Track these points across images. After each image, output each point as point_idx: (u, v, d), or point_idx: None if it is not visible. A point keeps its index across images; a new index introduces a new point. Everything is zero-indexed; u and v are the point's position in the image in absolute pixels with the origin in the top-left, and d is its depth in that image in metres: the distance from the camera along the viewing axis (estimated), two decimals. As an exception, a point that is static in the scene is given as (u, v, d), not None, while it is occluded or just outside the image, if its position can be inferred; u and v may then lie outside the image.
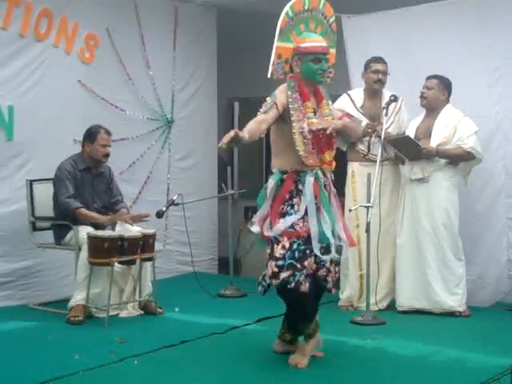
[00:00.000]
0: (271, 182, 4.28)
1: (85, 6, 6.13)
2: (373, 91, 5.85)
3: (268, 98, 4.21)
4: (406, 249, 5.71)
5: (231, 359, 4.51)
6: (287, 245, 4.16)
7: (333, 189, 4.40)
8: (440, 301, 5.59)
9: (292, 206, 4.21)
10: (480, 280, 5.90)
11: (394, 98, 5.64)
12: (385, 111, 5.58)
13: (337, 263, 4.42)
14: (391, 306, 5.85)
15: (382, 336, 5.03)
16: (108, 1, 6.34)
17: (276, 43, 4.24)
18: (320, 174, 4.28)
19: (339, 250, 4.40)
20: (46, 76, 5.89)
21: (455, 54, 5.97)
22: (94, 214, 5.56)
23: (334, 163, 4.37)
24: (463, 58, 5.93)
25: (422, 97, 5.70)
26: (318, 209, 4.24)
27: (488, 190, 5.88)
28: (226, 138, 3.87)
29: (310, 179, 4.22)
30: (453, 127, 5.61)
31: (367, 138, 5.78)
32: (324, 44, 4.28)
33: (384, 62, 5.85)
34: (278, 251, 4.17)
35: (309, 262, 4.19)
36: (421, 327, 5.36)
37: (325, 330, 4.64)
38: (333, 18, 4.46)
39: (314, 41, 4.26)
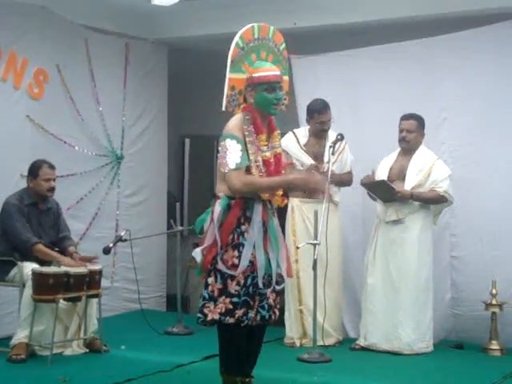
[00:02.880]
0: (218, 208, 4.13)
1: (34, 41, 6.13)
2: (317, 134, 5.96)
3: (229, 142, 4.05)
4: (377, 289, 5.71)
5: (176, 398, 4.47)
6: (242, 281, 4.07)
7: (276, 218, 4.31)
8: (411, 342, 5.59)
9: (242, 235, 4.09)
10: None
11: (341, 137, 5.73)
12: (331, 150, 5.66)
13: (277, 293, 4.32)
14: (339, 342, 5.89)
15: (329, 373, 5.04)
16: (58, 37, 6.35)
17: (228, 75, 4.15)
18: (267, 201, 4.20)
19: (279, 281, 4.26)
20: (-7, 110, 5.85)
21: (402, 94, 6.11)
22: (53, 253, 5.48)
23: (286, 200, 4.32)
24: (411, 99, 6.06)
25: (404, 140, 5.72)
26: (264, 236, 4.14)
27: (434, 228, 5.98)
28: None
29: (258, 206, 4.12)
30: (427, 170, 5.68)
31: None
32: (277, 72, 4.21)
33: (327, 110, 5.89)
34: (233, 287, 4.06)
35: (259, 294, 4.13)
36: (367, 364, 5.38)
37: (271, 367, 4.63)
38: (283, 45, 4.39)
39: (267, 70, 4.18)
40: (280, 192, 4.24)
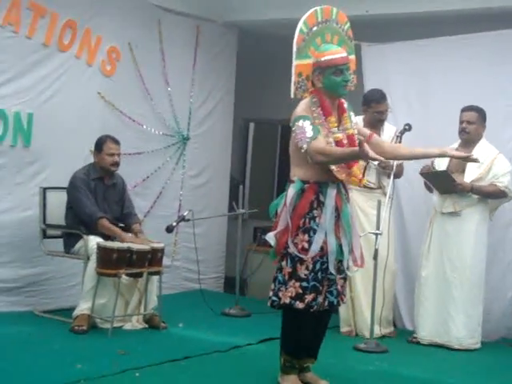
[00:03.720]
0: (291, 191, 4.13)
1: (109, 19, 6.21)
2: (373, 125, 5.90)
3: (302, 122, 4.06)
4: (431, 281, 5.66)
5: (232, 378, 4.51)
6: (311, 266, 4.08)
7: (350, 205, 4.30)
8: (460, 338, 5.54)
9: (314, 219, 4.08)
10: (485, 315, 5.86)
11: (409, 128, 5.65)
12: (399, 139, 5.59)
13: (345, 279, 4.33)
14: (394, 331, 5.88)
15: (385, 363, 5.03)
16: (132, 16, 6.43)
17: (295, 61, 4.14)
18: (341, 187, 4.19)
19: (349, 267, 4.28)
20: (66, 86, 5.95)
21: (473, 87, 5.99)
22: (116, 229, 5.58)
23: (364, 179, 4.30)
24: (481, 92, 5.93)
25: (464, 131, 5.63)
26: (336, 221, 4.14)
27: (497, 225, 5.87)
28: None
29: (331, 191, 4.11)
30: (488, 164, 5.59)
31: (363, 164, 5.81)
32: (344, 54, 4.17)
33: (385, 100, 5.84)
34: (303, 271, 4.08)
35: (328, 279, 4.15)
36: (423, 357, 5.35)
37: (327, 354, 4.63)
38: (347, 25, 4.36)
39: (334, 52, 4.14)
40: (358, 172, 4.20)
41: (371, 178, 5.69)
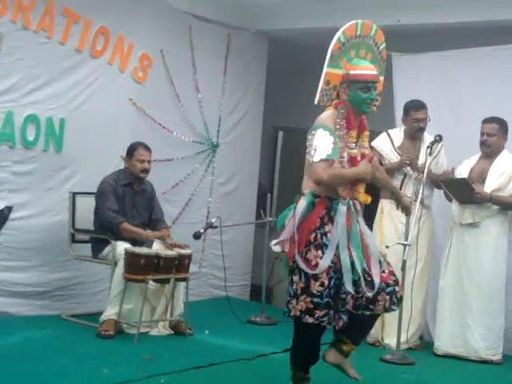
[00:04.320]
0: (302, 204, 4.11)
1: (141, 26, 6.26)
2: (412, 135, 5.87)
3: (323, 132, 4.03)
4: (448, 291, 5.64)
5: (257, 386, 4.52)
6: (326, 282, 4.02)
7: (361, 221, 4.23)
8: (478, 349, 5.50)
9: (326, 235, 4.04)
10: (509, 328, 5.79)
11: (440, 138, 5.63)
12: (429, 150, 5.56)
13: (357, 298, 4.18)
14: (420, 345, 5.82)
15: (412, 375, 4.99)
16: (164, 23, 6.47)
17: (325, 69, 4.12)
18: (351, 204, 4.14)
19: (366, 289, 4.10)
20: (98, 92, 6.01)
21: (505, 99, 5.94)
22: (137, 229, 5.61)
23: (369, 197, 4.24)
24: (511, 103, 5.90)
25: (485, 144, 5.61)
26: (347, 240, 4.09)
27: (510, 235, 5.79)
28: None
29: (342, 208, 4.07)
30: (509, 174, 5.56)
31: (401, 177, 5.77)
32: (374, 72, 4.16)
33: (423, 108, 5.81)
34: (316, 288, 4.01)
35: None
36: (451, 369, 5.31)
37: (354, 364, 4.60)
38: (383, 45, 4.34)
39: (365, 68, 4.13)
40: (362, 188, 4.18)
41: (408, 190, 5.63)
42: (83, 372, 4.42)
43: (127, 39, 6.17)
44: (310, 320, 4.03)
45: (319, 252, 4.02)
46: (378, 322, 5.69)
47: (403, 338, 5.53)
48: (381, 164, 5.82)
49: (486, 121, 5.64)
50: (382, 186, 4.88)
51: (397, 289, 4.17)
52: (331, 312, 4.05)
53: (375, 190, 5.84)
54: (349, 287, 4.02)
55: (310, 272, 4.00)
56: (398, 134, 5.95)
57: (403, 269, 5.33)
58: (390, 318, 5.66)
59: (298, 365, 4.27)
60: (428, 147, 5.60)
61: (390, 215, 5.81)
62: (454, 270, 5.65)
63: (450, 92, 6.24)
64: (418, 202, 5.41)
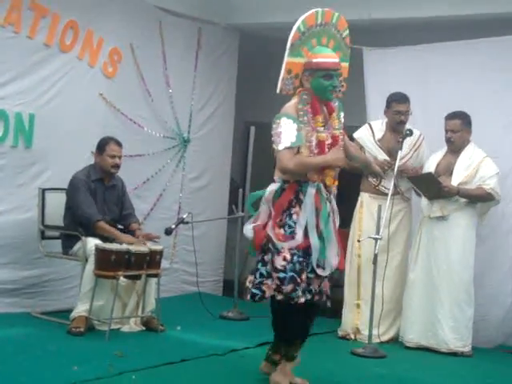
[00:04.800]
0: (273, 188, 4.22)
1: (110, 20, 6.20)
2: (394, 127, 5.89)
3: (286, 121, 4.11)
4: (418, 285, 5.68)
5: (229, 381, 4.50)
6: (288, 256, 4.10)
7: (335, 207, 4.32)
8: (448, 340, 5.55)
9: (290, 216, 4.14)
10: (482, 321, 5.84)
11: (410, 132, 5.65)
12: (400, 145, 5.58)
13: (329, 279, 4.33)
14: (394, 338, 5.84)
15: (384, 369, 5.01)
16: (133, 17, 6.42)
17: (286, 58, 4.19)
18: (322, 187, 4.21)
19: (325, 268, 4.23)
20: (68, 87, 5.95)
21: (474, 93, 5.99)
22: (115, 231, 5.56)
23: (336, 181, 4.29)
24: (482, 98, 5.94)
25: (450, 141, 5.68)
26: (316, 221, 4.17)
27: (497, 231, 5.87)
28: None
29: (311, 190, 4.15)
30: (475, 167, 5.62)
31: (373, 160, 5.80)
32: (336, 60, 4.22)
33: (406, 101, 5.85)
34: (280, 263, 4.11)
35: (306, 276, 4.15)
36: (422, 363, 5.34)
37: (324, 358, 4.62)
38: (346, 32, 4.40)
39: (326, 56, 4.20)
40: (332, 172, 4.24)
41: (388, 183, 5.66)
42: (53, 370, 4.37)
43: (97, 34, 6.11)
44: (280, 297, 4.11)
45: (281, 230, 4.13)
46: (352, 314, 5.76)
47: (381, 331, 5.60)
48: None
49: (449, 117, 5.70)
50: (353, 158, 4.77)
51: None
52: (298, 288, 4.09)
53: (355, 184, 5.90)
54: (314, 264, 4.12)
55: (283, 245, 4.08)
56: (379, 126, 5.96)
57: (374, 262, 5.36)
58: (367, 311, 5.68)
59: (287, 339, 4.33)
60: (398, 141, 5.62)
61: (369, 209, 5.84)
62: (423, 263, 5.70)
63: (420, 86, 6.26)
64: (389, 196, 5.42)
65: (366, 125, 6.01)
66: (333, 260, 4.23)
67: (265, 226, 4.18)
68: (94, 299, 5.28)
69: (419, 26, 6.48)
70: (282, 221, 4.15)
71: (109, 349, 4.89)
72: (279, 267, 4.11)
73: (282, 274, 4.10)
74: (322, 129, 4.20)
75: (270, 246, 4.16)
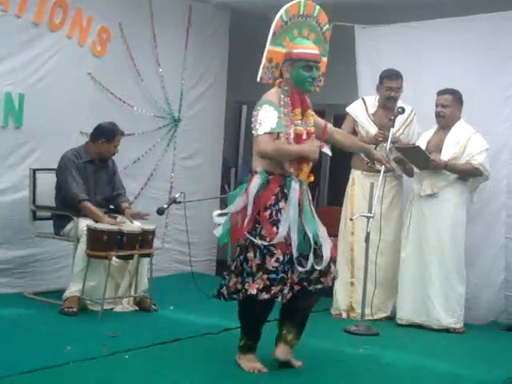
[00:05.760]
0: (257, 180, 4.13)
1: (99, -2, 6.14)
2: (384, 104, 5.87)
3: (268, 107, 4.09)
4: (409, 262, 5.69)
5: (223, 360, 4.50)
6: (281, 258, 4.08)
7: (310, 198, 4.32)
8: (439, 317, 5.57)
9: (280, 212, 4.10)
10: (475, 299, 5.87)
11: (402, 110, 5.64)
12: (392, 123, 5.57)
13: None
14: (389, 317, 5.85)
15: (376, 347, 5.03)
16: (123, -5, 6.36)
17: (268, 47, 4.19)
18: (304, 182, 4.23)
19: (317, 261, 4.18)
20: (58, 66, 5.90)
21: (467, 70, 5.98)
22: (98, 212, 5.52)
23: (312, 176, 4.29)
24: (475, 75, 5.93)
25: (440, 116, 5.68)
26: (300, 215, 4.16)
27: (489, 209, 5.88)
28: None
29: (295, 184, 4.14)
30: (464, 143, 5.61)
31: (373, 146, 5.79)
32: (316, 52, 4.21)
33: (398, 78, 5.84)
34: (272, 264, 4.07)
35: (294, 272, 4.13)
36: (415, 340, 5.35)
37: (317, 337, 4.62)
38: (326, 26, 4.40)
39: (307, 48, 4.19)
40: (307, 168, 4.23)
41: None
42: (46, 350, 4.37)
43: (86, 12, 6.05)
44: (266, 296, 4.08)
45: (274, 228, 4.08)
46: (346, 293, 5.77)
47: (368, 311, 5.59)
48: (354, 131, 5.85)
49: (441, 93, 5.69)
50: (348, 147, 4.81)
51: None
52: (285, 287, 4.09)
53: (346, 161, 5.89)
54: (295, 259, 4.09)
55: (266, 243, 4.04)
56: (372, 101, 5.96)
57: (366, 241, 5.36)
58: (361, 289, 5.68)
59: (250, 335, 4.36)
60: (390, 120, 5.61)
61: (361, 186, 5.83)
62: (414, 241, 5.70)
63: (412, 63, 6.23)
64: (381, 173, 5.41)
65: (360, 99, 6.02)
66: (327, 252, 4.19)
67: (249, 220, 4.08)
68: (87, 279, 5.28)
69: (411, 3, 6.44)
70: (272, 217, 4.10)
71: (102, 329, 4.90)
72: (271, 268, 4.08)
73: (273, 275, 4.07)
74: (300, 122, 4.21)
75: (260, 245, 4.07)
